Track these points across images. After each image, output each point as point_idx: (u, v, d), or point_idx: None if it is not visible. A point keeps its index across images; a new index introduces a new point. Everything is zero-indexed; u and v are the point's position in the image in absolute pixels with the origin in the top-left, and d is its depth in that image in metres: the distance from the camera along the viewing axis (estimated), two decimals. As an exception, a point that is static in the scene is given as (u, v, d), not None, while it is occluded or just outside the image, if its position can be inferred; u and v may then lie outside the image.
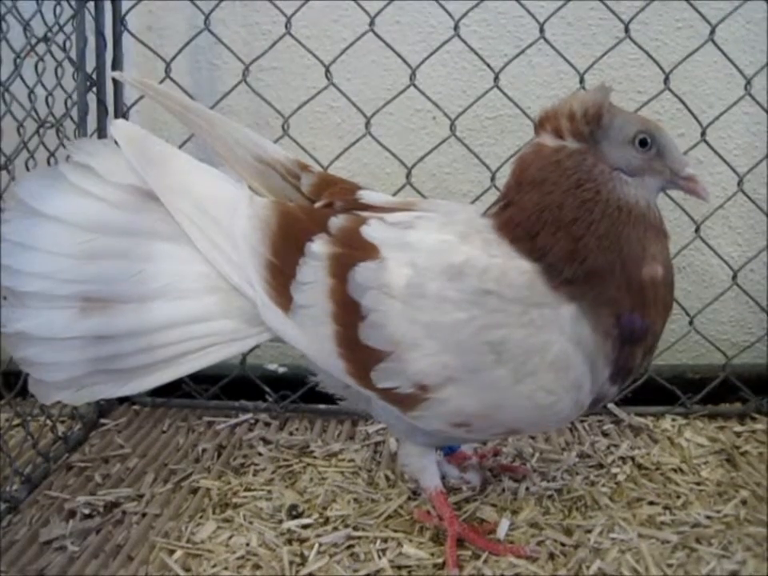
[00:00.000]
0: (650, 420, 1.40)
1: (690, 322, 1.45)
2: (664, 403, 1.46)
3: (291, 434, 1.36)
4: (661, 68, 1.36)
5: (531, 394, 0.92)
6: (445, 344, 0.91)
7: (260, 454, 1.28)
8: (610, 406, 1.41)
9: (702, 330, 1.46)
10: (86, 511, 1.12)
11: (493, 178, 1.36)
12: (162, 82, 1.32)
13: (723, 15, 1.36)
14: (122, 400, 1.44)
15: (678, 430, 1.38)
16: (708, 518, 1.12)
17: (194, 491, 1.18)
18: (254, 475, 1.23)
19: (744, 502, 1.16)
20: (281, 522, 1.11)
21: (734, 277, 1.44)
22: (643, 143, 0.93)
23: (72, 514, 1.12)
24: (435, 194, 1.46)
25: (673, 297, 0.97)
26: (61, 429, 1.31)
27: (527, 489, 1.17)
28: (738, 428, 1.40)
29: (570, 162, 0.92)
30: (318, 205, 1.01)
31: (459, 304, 0.90)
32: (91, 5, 1.32)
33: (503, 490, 1.17)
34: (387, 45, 1.32)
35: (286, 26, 1.33)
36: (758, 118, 1.45)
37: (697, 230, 1.42)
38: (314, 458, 1.28)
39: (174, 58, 1.35)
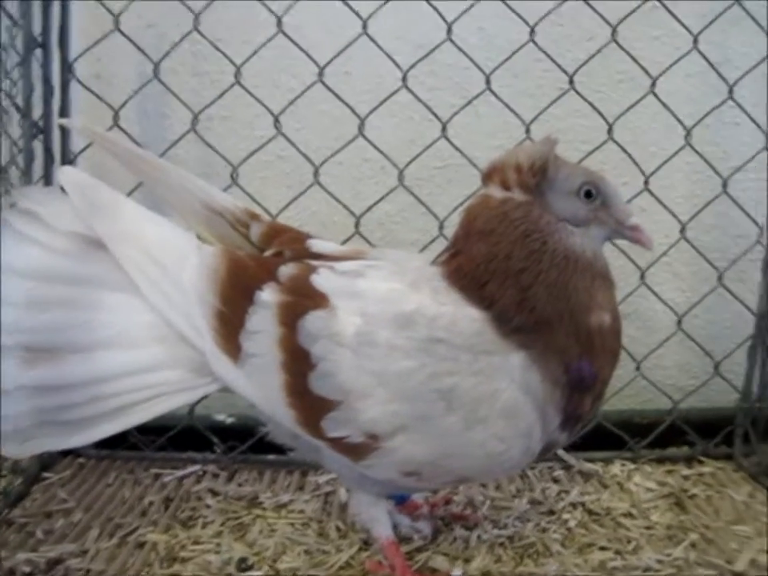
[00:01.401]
0: (600, 465, 1.42)
1: (637, 368, 1.47)
2: (613, 448, 1.47)
3: (240, 485, 1.34)
4: (604, 119, 1.40)
5: (482, 441, 0.92)
6: (395, 392, 0.91)
7: (208, 506, 1.27)
8: (560, 452, 1.42)
9: (648, 375, 1.48)
10: (27, 569, 1.09)
11: (441, 227, 1.38)
12: (109, 129, 1.32)
13: (663, 69, 1.41)
14: (65, 453, 1.41)
15: (627, 475, 1.39)
16: (659, 561, 1.13)
17: (141, 545, 1.16)
18: (203, 528, 1.21)
19: (693, 545, 1.17)
20: (230, 575, 1.09)
21: (679, 322, 1.48)
22: (588, 194, 0.95)
23: (12, 572, 1.08)
24: (384, 242, 1.48)
25: (620, 344, 0.98)
26: (1, 483, 1.28)
27: (479, 537, 1.17)
28: (686, 471, 1.42)
29: (517, 214, 0.93)
30: (267, 254, 1.02)
31: (409, 352, 0.91)
32: (39, 51, 1.32)
33: (455, 539, 1.17)
34: (336, 95, 1.34)
35: (235, 76, 1.34)
36: (698, 167, 1.50)
37: (642, 277, 1.45)
38: (264, 509, 1.26)
39: (122, 106, 1.35)
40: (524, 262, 0.92)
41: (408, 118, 1.48)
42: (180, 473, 1.37)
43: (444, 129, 1.37)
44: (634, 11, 1.39)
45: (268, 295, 0.94)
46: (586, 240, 0.95)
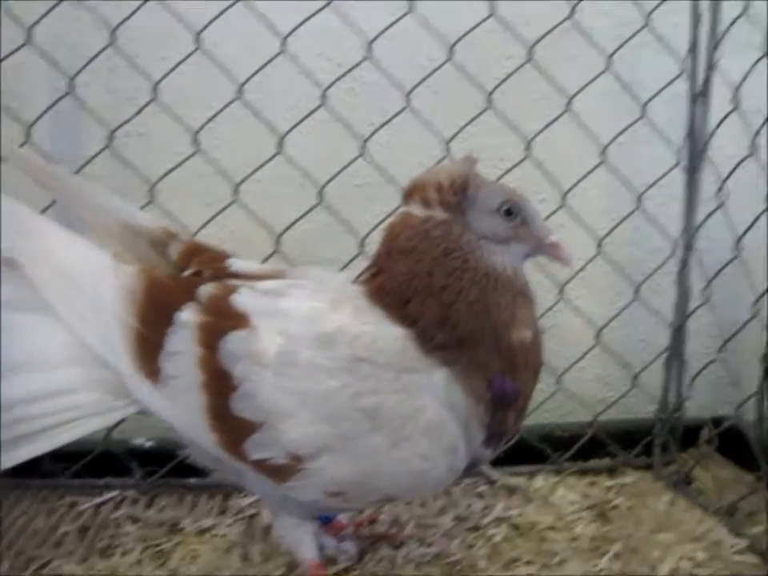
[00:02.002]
0: (524, 479, 1.43)
1: (557, 381, 1.49)
2: (536, 462, 1.49)
3: (160, 510, 1.31)
4: (521, 137, 1.43)
5: (407, 460, 0.92)
6: (318, 413, 0.90)
7: (127, 534, 1.23)
8: (484, 467, 1.43)
9: (568, 388, 1.51)
10: (-67, 606, 1.05)
11: (361, 245, 1.38)
12: (22, 146, 1.29)
13: (579, 88, 1.45)
14: (-28, 482, 1.36)
15: (551, 488, 1.41)
16: (584, 574, 1.14)
17: (56, 578, 1.12)
18: (122, 557, 1.18)
19: (618, 556, 1.19)
20: (150, 605, 1.07)
21: (597, 335, 1.51)
22: (508, 212, 0.96)
23: None
24: (304, 260, 1.46)
25: (542, 359, 0.99)
26: None
27: (405, 556, 1.17)
28: (608, 482, 1.44)
29: (438, 232, 0.94)
30: (186, 273, 1.00)
31: (332, 372, 0.90)
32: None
33: (381, 559, 1.16)
34: (255, 112, 1.34)
35: (152, 92, 1.32)
36: (614, 184, 1.53)
37: (560, 292, 1.48)
38: (185, 535, 1.23)
39: (34, 122, 1.31)
40: (445, 279, 0.93)
41: (327, 135, 1.48)
42: (97, 500, 1.34)
43: (363, 147, 1.37)
44: (550, 32, 1.42)
45: (188, 315, 0.93)
46: (507, 257, 0.96)
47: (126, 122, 1.33)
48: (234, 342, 0.91)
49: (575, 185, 1.46)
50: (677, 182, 1.54)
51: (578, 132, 1.46)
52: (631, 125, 1.49)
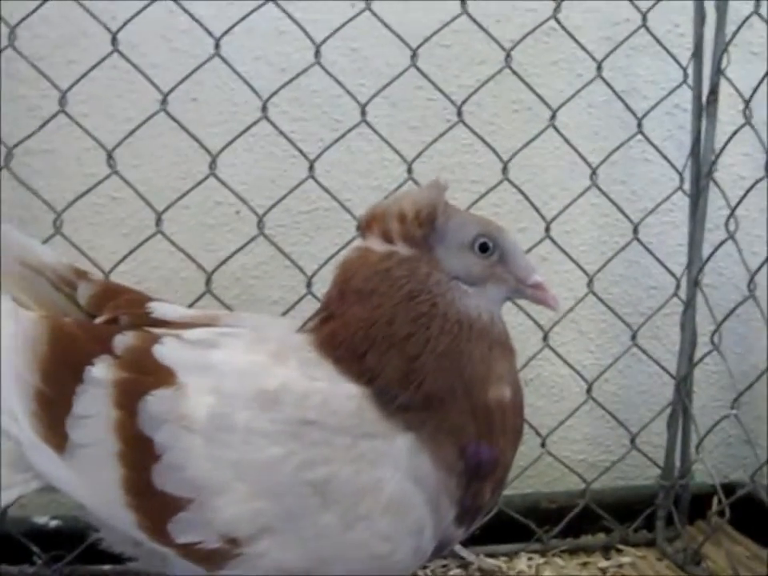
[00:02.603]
0: (503, 561, 1.43)
1: (542, 444, 1.50)
2: (518, 539, 1.49)
3: (67, 604, 1.29)
4: (498, 155, 1.44)
5: (364, 542, 0.92)
6: (258, 487, 0.90)
7: (26, 634, 1.21)
8: (457, 547, 1.43)
9: (555, 451, 1.51)
10: None
11: (309, 284, 1.38)
12: None
13: (564, 99, 1.47)
14: None
15: (536, 570, 1.41)
16: None
17: None
18: None
19: (616, 651, 1.20)
20: None
21: (588, 389, 1.52)
22: (484, 248, 0.97)
23: None
24: (241, 303, 1.46)
25: (523, 420, 0.99)
26: None
27: None
28: (603, 563, 1.45)
29: (401, 271, 0.94)
30: (99, 320, 0.99)
31: (274, 437, 0.90)
32: None
33: None
34: (182, 126, 1.33)
35: (59, 102, 1.31)
36: (606, 210, 1.56)
37: (545, 338, 1.49)
38: (97, 632, 1.22)
39: None
40: (410, 327, 0.93)
41: (269, 153, 1.48)
42: (-10, 592, 1.32)
43: (312, 167, 1.37)
44: (530, 33, 1.44)
45: (100, 371, 0.91)
46: (482, 301, 0.96)
47: (27, 138, 1.32)
48: (156, 402, 0.90)
49: (561, 212, 1.48)
50: (680, 207, 1.58)
51: (564, 150, 1.49)
52: (626, 141, 1.52)
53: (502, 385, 0.95)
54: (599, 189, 1.50)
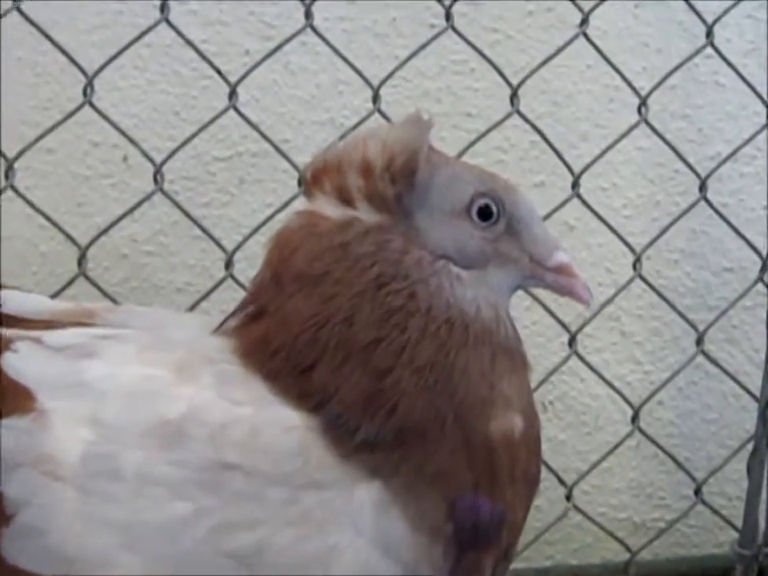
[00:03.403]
0: None
1: (568, 496, 1.50)
2: (533, 633, 1.51)
3: None
4: (504, 78, 1.43)
5: (313, 639, 0.92)
6: (156, 559, 0.89)
7: None
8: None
9: (585, 506, 1.53)
10: None
11: (228, 264, 1.38)
12: None
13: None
14: None
15: None
16: None
17: None
18: None
19: None
20: None
21: (635, 417, 1.53)
22: (485, 214, 0.96)
23: None
24: (129, 290, 1.46)
25: (540, 462, 0.99)
26: None
27: None
28: None
29: (365, 247, 0.93)
30: None
31: (179, 489, 0.89)
32: None
33: None
34: (41, 30, 1.33)
35: None
36: (659, 157, 1.57)
37: (572, 343, 1.49)
38: None
39: None
40: (377, 329, 0.92)
41: (171, 72, 1.47)
42: None
43: (233, 93, 1.35)
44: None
45: None
46: (483, 290, 0.96)
47: None
48: (6, 438, 0.90)
49: (595, 160, 1.49)
50: (765, 154, 1.59)
51: (600, 70, 1.51)
52: (690, 57, 1.53)
53: (511, 411, 0.95)
54: (650, 126, 1.50)
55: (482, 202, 0.95)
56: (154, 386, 0.92)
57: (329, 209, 0.94)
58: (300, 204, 0.97)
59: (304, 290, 0.93)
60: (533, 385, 0.99)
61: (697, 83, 1.61)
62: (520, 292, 1.00)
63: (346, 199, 0.94)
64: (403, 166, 0.94)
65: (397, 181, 0.93)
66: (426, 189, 0.94)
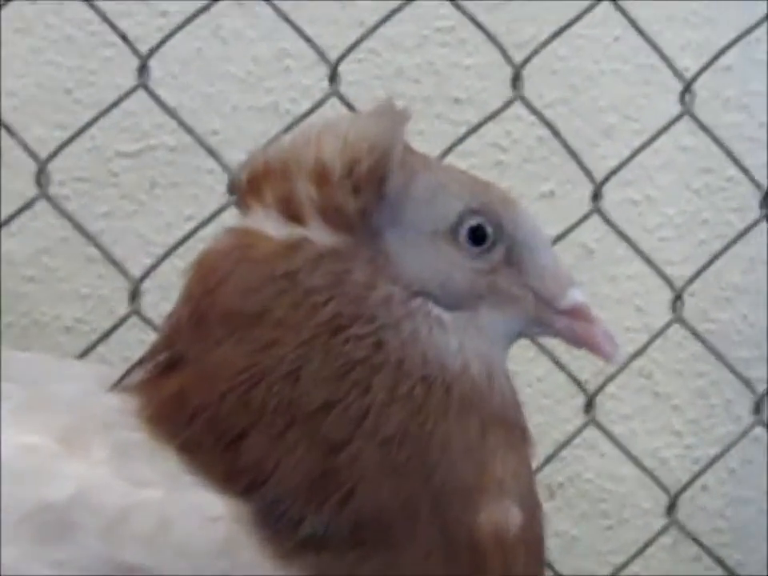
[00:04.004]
0: None
1: (584, 610, 1.51)
2: None
3: None
4: (502, 51, 1.43)
5: None
6: None
7: None
8: None
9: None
10: None
11: (133, 295, 1.37)
12: None
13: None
14: None
15: None
16: None
17: None
18: None
19: None
20: None
21: (671, 506, 1.54)
22: (477, 237, 0.96)
23: None
24: (9, 333, 1.47)
25: (543, 568, 0.99)
26: None
27: None
28: None
29: (318, 278, 0.93)
30: None
31: (65, 598, 0.89)
32: None
33: None
34: None
35: None
36: (707, 160, 1.58)
37: (588, 408, 1.50)
38: None
39: None
40: (331, 388, 0.92)
41: (60, 35, 1.49)
42: None
43: (144, 68, 1.37)
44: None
45: None
46: (472, 339, 0.96)
47: None
48: None
49: (624, 164, 1.49)
50: None
51: (629, 42, 1.51)
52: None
53: (505, 500, 0.94)
54: (696, 120, 1.51)
55: (473, 221, 0.94)
56: (32, 461, 0.91)
57: (270, 226, 0.93)
58: (231, 218, 0.97)
59: (234, 333, 0.92)
60: (536, 464, 0.99)
61: (756, 64, 1.62)
62: (522, 341, 1.00)
63: (292, 214, 0.93)
64: (370, 171, 0.93)
65: (361, 190, 0.92)
66: (399, 202, 0.94)
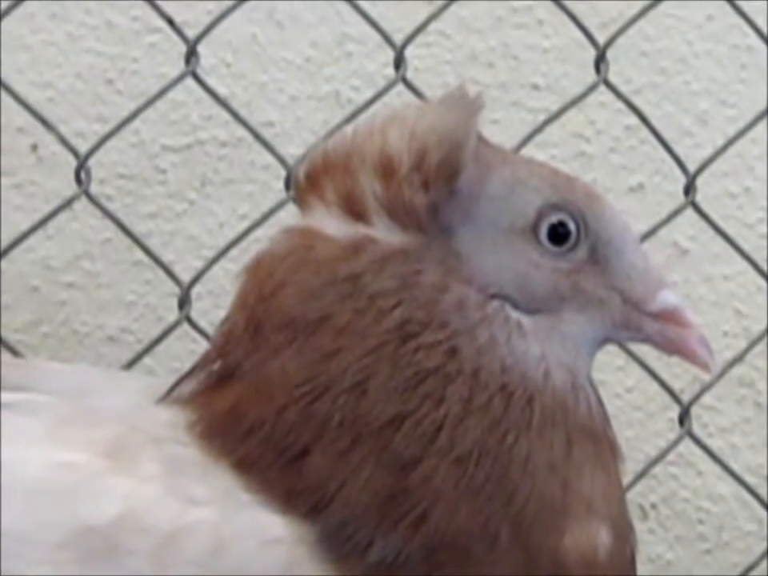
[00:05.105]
0: None
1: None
2: None
3: None
4: (585, 33, 1.43)
5: None
6: None
7: None
8: None
9: None
10: None
11: (183, 302, 1.39)
12: None
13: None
14: None
15: None
16: None
17: None
18: None
19: None
20: None
21: (773, 527, 1.53)
22: (559, 235, 0.95)
23: None
24: (41, 338, 1.47)
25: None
26: None
27: None
28: None
29: (385, 281, 0.93)
30: None
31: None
32: None
33: None
34: None
35: None
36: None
37: (683, 420, 1.50)
38: None
39: None
40: (400, 401, 0.92)
41: (101, 19, 1.51)
42: None
43: (193, 54, 1.38)
44: None
45: None
46: (555, 346, 0.95)
47: None
48: None
49: (720, 153, 1.49)
50: None
51: (724, 20, 1.51)
52: None
53: (593, 521, 0.94)
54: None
55: (554, 218, 0.93)
56: (74, 478, 0.91)
57: (331, 225, 0.92)
58: (289, 217, 0.98)
59: (294, 342, 0.92)
60: (626, 482, 0.99)
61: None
62: (610, 347, 0.99)
63: (356, 211, 0.92)
64: (440, 164, 0.92)
65: (431, 185, 0.92)
66: (472, 198, 0.93)
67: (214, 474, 0.95)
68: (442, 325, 0.94)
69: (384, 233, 0.94)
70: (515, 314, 0.95)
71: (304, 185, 0.98)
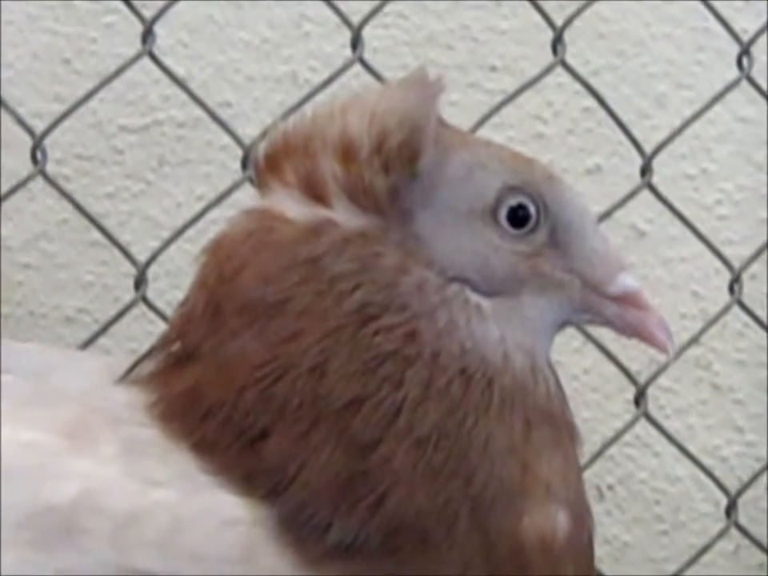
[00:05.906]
0: None
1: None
2: None
3: None
4: (540, 11, 1.45)
5: None
6: None
7: None
8: None
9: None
10: None
11: (139, 282, 1.36)
12: None
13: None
14: None
15: None
16: None
17: None
18: None
19: None
20: None
21: (730, 507, 1.54)
22: (519, 218, 0.95)
23: None
24: (6, 325, 1.48)
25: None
26: None
27: None
28: None
29: (344, 263, 0.93)
30: None
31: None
32: None
33: None
34: None
35: None
36: (764, 125, 1.59)
37: (638, 401, 1.51)
38: None
39: None
40: (360, 384, 0.92)
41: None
42: None
43: (149, 33, 1.38)
44: None
45: None
46: (514, 329, 0.96)
47: None
48: None
49: (675, 134, 1.50)
50: None
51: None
52: None
53: (552, 504, 0.94)
54: (756, 87, 1.51)
55: (513, 200, 0.93)
56: (34, 458, 0.91)
57: (291, 207, 0.92)
58: (246, 198, 0.97)
59: (253, 324, 0.92)
60: (583, 463, 0.99)
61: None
62: (568, 330, 1.00)
63: (316, 193, 0.92)
64: (400, 146, 0.93)
65: (391, 168, 0.92)
66: (432, 180, 0.94)
67: (173, 455, 0.95)
68: (401, 308, 0.94)
69: (344, 216, 0.94)
70: (475, 297, 0.95)
71: (264, 166, 0.98)
